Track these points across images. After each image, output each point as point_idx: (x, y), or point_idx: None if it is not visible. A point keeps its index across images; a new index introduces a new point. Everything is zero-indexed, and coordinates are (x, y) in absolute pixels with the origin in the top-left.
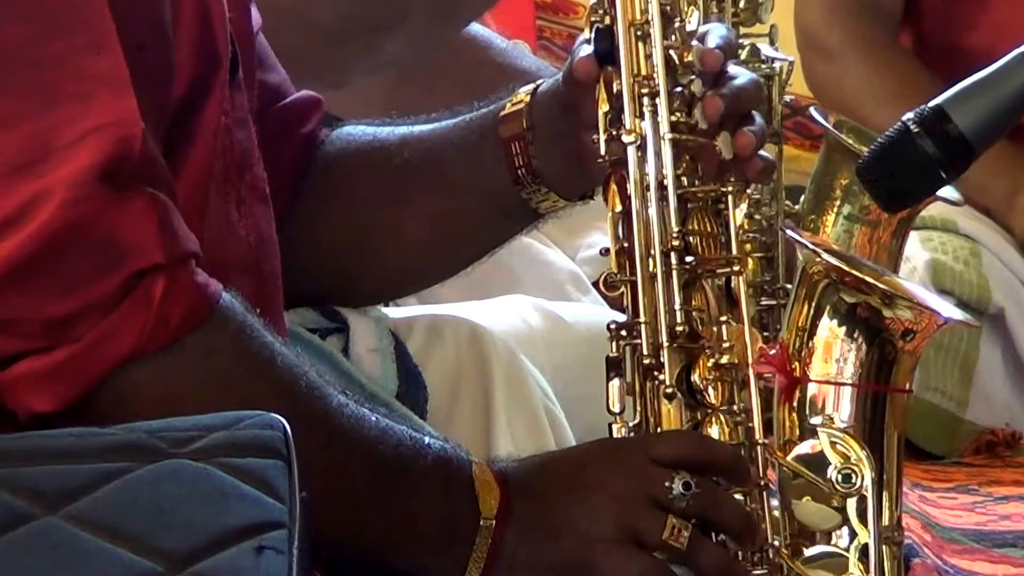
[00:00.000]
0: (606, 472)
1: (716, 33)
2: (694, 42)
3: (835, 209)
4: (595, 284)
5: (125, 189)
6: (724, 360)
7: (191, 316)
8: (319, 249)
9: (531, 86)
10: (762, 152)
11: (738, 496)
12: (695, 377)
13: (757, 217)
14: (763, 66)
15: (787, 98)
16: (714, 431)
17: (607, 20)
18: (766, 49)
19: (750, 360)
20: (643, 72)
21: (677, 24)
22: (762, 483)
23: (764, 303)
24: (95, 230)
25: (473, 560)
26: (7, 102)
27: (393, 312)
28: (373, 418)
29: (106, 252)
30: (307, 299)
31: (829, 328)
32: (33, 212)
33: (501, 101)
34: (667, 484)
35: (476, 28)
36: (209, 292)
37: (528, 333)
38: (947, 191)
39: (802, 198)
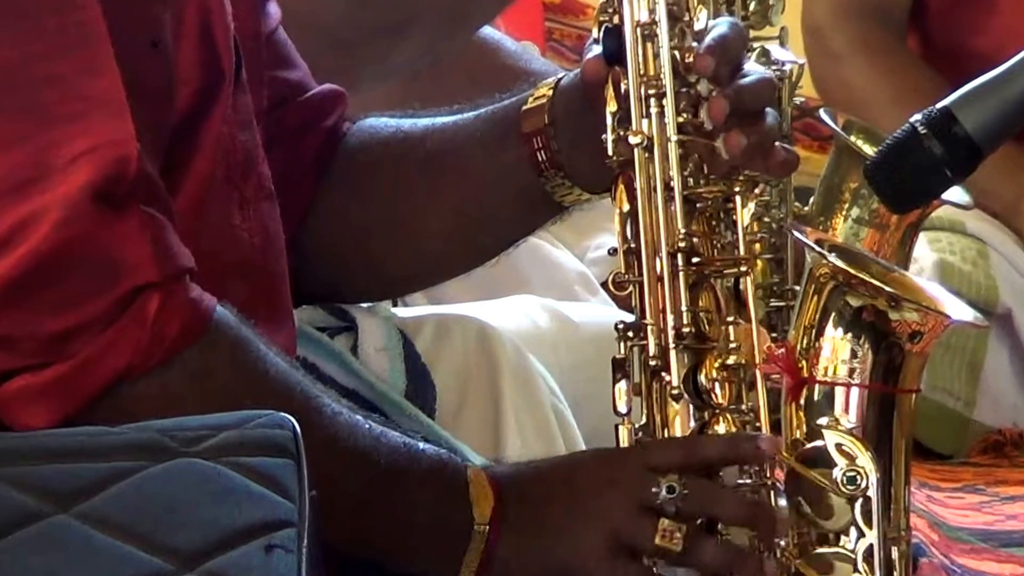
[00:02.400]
0: (598, 481)
1: (714, 33)
2: (693, 43)
3: (844, 212)
4: (603, 285)
5: (120, 208)
6: (731, 360)
7: (186, 332)
8: (341, 241)
9: (553, 80)
10: (784, 145)
11: (748, 485)
12: (702, 378)
13: (766, 219)
14: (773, 68)
15: (797, 100)
16: (721, 431)
17: (615, 20)
18: (776, 51)
19: (757, 360)
20: (650, 72)
21: (685, 24)
22: (769, 483)
23: (773, 304)
24: (90, 249)
25: (466, 564)
26: (2, 122)
27: (402, 311)
28: (367, 426)
29: (101, 270)
30: (325, 294)
31: (837, 329)
32: (28, 232)
33: (523, 95)
34: (653, 490)
35: (486, 30)
36: (204, 308)
37: (536, 333)
38: (957, 194)
39: (811, 200)
